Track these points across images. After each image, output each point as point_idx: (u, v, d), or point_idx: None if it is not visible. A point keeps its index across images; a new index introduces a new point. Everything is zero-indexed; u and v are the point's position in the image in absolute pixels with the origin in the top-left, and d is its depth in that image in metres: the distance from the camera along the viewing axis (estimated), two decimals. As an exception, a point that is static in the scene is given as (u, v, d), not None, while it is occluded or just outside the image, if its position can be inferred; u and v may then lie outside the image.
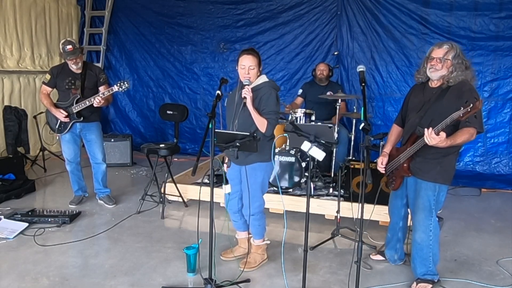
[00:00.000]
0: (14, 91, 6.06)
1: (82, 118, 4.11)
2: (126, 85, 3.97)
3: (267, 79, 2.96)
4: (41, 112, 6.09)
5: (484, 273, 3.13)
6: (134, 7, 6.99)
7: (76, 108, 4.04)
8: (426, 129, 2.42)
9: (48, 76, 4.12)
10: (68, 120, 4.08)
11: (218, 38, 6.66)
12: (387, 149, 2.95)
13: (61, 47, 3.99)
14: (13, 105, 5.94)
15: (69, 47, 3.94)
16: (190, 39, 6.80)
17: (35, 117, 5.88)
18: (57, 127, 4.16)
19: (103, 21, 7.10)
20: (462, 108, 2.32)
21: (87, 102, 4.00)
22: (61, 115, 4.03)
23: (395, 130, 3.03)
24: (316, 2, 6.11)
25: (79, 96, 4.07)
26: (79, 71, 4.11)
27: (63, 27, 6.95)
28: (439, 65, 2.64)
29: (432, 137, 2.39)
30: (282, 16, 6.30)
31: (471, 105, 2.29)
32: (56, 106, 4.11)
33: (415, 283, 2.86)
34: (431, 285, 2.84)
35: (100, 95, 3.97)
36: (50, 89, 4.15)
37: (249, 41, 6.44)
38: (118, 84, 3.96)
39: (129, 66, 7.14)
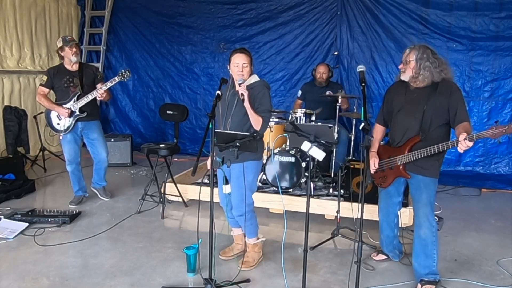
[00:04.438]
0: (14, 91, 6.06)
1: (85, 114, 4.16)
2: (128, 73, 4.09)
3: (258, 78, 3.01)
4: (41, 112, 6.08)
5: (484, 273, 3.12)
6: (134, 7, 7.00)
7: (79, 103, 4.11)
8: (461, 136, 2.43)
9: (44, 78, 4.16)
10: (71, 117, 4.13)
11: (218, 38, 6.66)
12: (375, 148, 3.00)
13: (60, 39, 4.13)
14: (13, 105, 5.94)
15: (68, 37, 4.14)
16: (190, 39, 6.81)
17: (35, 117, 5.88)
18: (59, 127, 4.19)
19: (103, 21, 7.10)
20: (494, 128, 2.40)
21: (89, 96, 4.09)
22: (64, 111, 4.08)
23: (379, 129, 3.09)
24: (316, 2, 6.11)
25: (79, 93, 4.13)
26: (76, 69, 4.18)
27: (63, 27, 6.95)
28: (403, 67, 2.78)
29: (468, 145, 2.44)
30: (282, 16, 6.30)
31: (507, 126, 2.37)
32: (57, 104, 4.16)
33: (419, 284, 2.85)
34: (434, 286, 2.83)
35: (103, 87, 4.06)
36: (47, 90, 4.18)
37: (249, 41, 6.44)
38: (120, 74, 4.06)
39: (129, 66, 7.11)
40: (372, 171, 2.94)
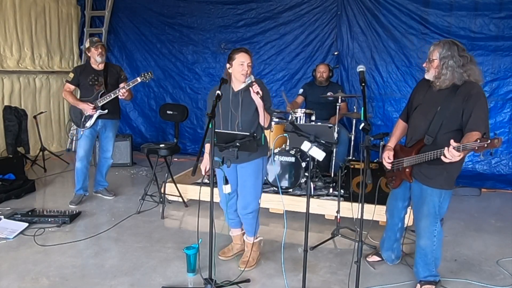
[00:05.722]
0: (14, 91, 6.07)
1: (107, 111, 4.29)
2: (150, 75, 4.21)
3: (254, 78, 3.00)
4: (41, 112, 6.11)
5: (484, 273, 3.13)
6: (134, 7, 7.00)
7: (101, 101, 4.25)
8: (447, 147, 2.28)
9: (71, 75, 4.33)
10: (95, 112, 4.25)
11: (218, 38, 6.67)
12: (392, 143, 2.91)
13: (88, 40, 4.36)
14: (13, 105, 5.94)
15: (95, 38, 4.42)
16: (191, 39, 6.81)
17: (35, 117, 5.89)
18: (82, 121, 4.30)
19: (103, 21, 7.10)
20: (478, 141, 2.18)
21: (112, 95, 4.24)
22: (88, 107, 4.22)
23: (400, 125, 2.98)
24: (316, 2, 6.11)
25: (103, 91, 4.28)
26: (101, 69, 4.33)
27: (63, 27, 6.95)
28: (427, 66, 2.64)
29: (453, 155, 2.27)
30: (283, 17, 6.30)
31: (489, 141, 2.15)
32: (81, 101, 4.31)
33: (418, 285, 2.85)
34: (434, 286, 2.83)
35: (125, 86, 4.23)
36: (73, 87, 4.37)
37: (249, 41, 6.44)
38: (142, 75, 4.19)
39: (130, 66, 7.13)
40: (386, 165, 2.85)
